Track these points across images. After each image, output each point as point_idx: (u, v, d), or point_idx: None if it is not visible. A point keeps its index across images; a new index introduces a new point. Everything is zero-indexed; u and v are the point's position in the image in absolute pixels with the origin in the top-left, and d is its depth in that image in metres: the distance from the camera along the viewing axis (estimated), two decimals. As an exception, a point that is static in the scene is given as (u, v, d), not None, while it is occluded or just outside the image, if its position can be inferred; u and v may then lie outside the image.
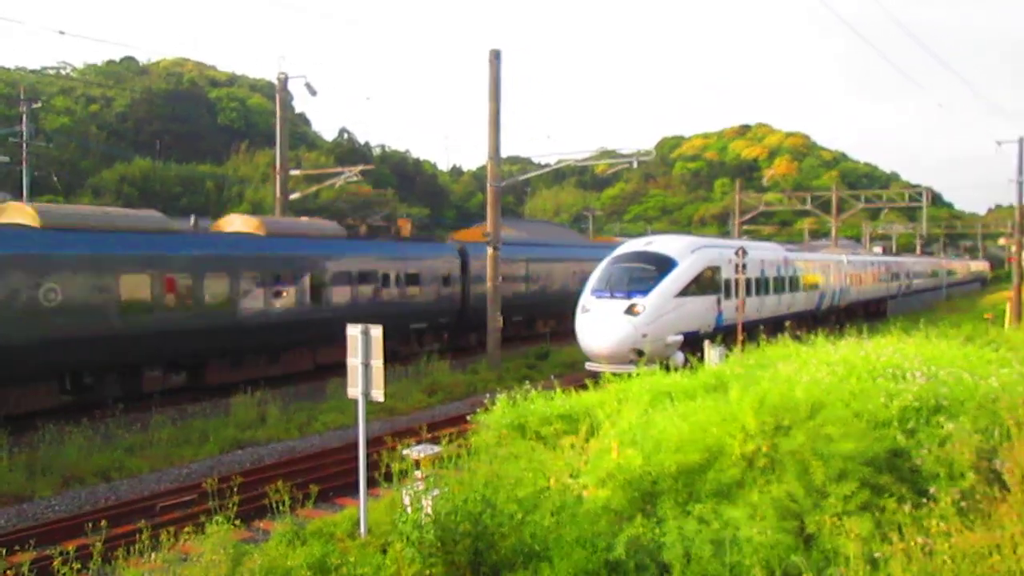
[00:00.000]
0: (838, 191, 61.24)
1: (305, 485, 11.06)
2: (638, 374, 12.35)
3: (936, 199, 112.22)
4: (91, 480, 13.67)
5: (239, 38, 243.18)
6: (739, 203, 57.78)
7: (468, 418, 12.65)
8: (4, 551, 9.20)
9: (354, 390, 9.39)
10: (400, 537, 7.51)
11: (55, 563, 7.36)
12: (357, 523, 9.28)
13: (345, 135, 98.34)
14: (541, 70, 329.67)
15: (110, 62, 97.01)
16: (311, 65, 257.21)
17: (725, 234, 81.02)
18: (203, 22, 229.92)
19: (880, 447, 7.93)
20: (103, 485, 13.46)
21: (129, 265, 18.32)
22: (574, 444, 9.99)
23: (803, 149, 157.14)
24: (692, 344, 20.96)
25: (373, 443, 12.40)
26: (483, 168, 31.94)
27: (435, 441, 11.43)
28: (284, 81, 28.62)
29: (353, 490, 11.99)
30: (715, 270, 23.37)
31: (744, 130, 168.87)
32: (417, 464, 9.46)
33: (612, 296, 20.97)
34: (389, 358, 9.82)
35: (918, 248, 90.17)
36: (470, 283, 29.07)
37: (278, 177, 28.79)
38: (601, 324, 20.37)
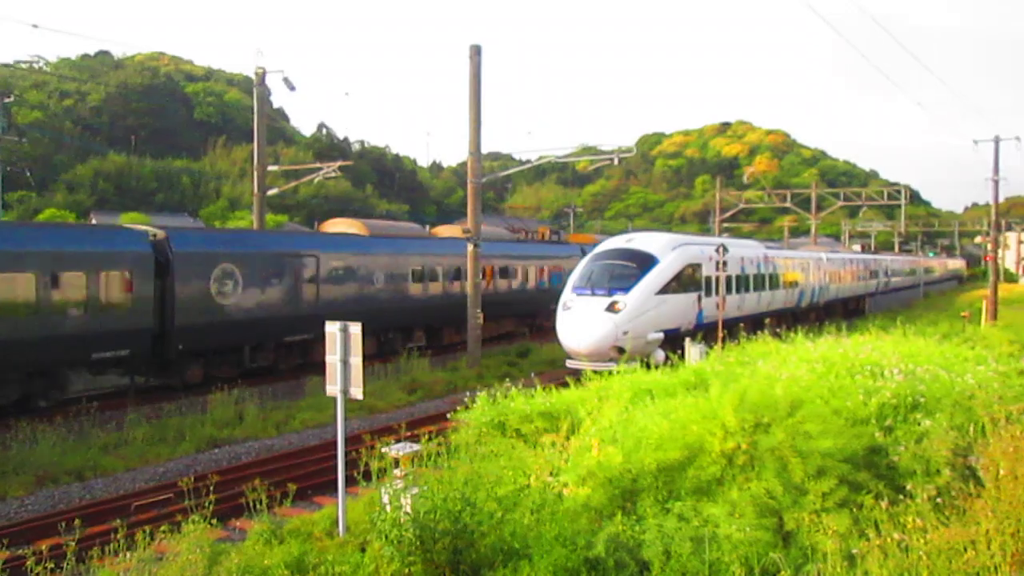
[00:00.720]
0: (817, 189, 61.68)
1: (283, 484, 11.03)
2: (619, 372, 12.38)
3: (914, 197, 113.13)
4: (65, 479, 13.54)
5: (216, 32, 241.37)
6: (719, 200, 58.08)
7: (448, 416, 12.65)
8: (-24, 552, 9.09)
9: (333, 388, 9.36)
10: (379, 536, 7.50)
11: (28, 563, 7.29)
12: (336, 522, 9.26)
13: (324, 130, 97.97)
14: (522, 66, 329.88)
15: (84, 56, 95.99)
16: (289, 60, 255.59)
17: (706, 231, 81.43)
18: (179, 16, 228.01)
19: (858, 444, 8.01)
20: (77, 484, 13.34)
21: (425, 259, 28.36)
22: (554, 442, 10.02)
23: (783, 147, 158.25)
24: (673, 342, 21.06)
25: (352, 441, 12.38)
26: (464, 164, 31.91)
27: (415, 439, 11.42)
28: (262, 76, 28.41)
29: (332, 489, 11.95)
30: (696, 268, 23.48)
31: (725, 127, 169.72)
32: (396, 462, 9.44)
33: (593, 293, 21.03)
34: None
35: (896, 246, 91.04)
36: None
37: (255, 173, 28.59)
38: (582, 321, 20.42)
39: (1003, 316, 38.32)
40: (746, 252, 28.27)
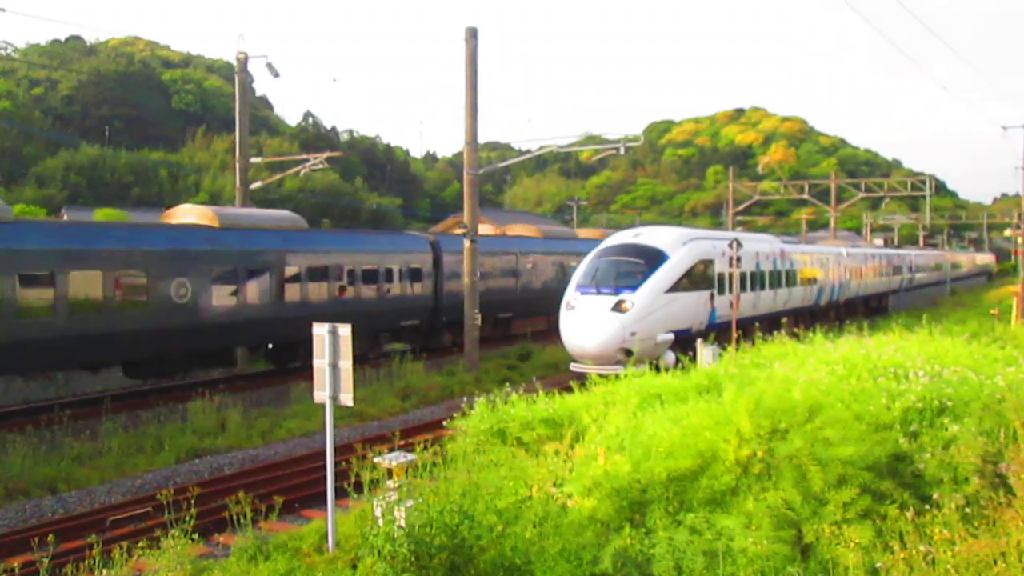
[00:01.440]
0: (837, 179, 61.71)
1: (269, 496, 11.06)
2: (626, 375, 12.38)
3: (940, 188, 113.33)
4: (36, 492, 13.55)
5: (195, 15, 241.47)
6: (732, 192, 58.09)
7: (444, 423, 12.64)
8: (-58, 570, 9.11)
9: (321, 394, 9.37)
10: (371, 551, 7.50)
11: (-2, 581, 7.30)
12: (325, 536, 9.27)
13: (310, 119, 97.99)
14: (521, 49, 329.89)
15: (55, 41, 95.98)
16: (273, 44, 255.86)
17: (718, 225, 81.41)
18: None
19: (881, 451, 8.01)
20: (49, 497, 13.35)
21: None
22: (558, 450, 10.01)
23: (800, 134, 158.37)
24: (683, 343, 21.06)
25: (342, 451, 12.40)
26: (459, 155, 31.93)
27: (409, 448, 11.42)
28: (244, 61, 28.41)
29: (320, 501, 11.95)
30: (708, 264, 23.48)
31: (738, 114, 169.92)
32: (389, 473, 9.45)
33: (598, 292, 21.01)
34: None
35: (921, 240, 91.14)
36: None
37: (238, 165, 28.59)
38: (587, 322, 20.41)
39: (1035, 314, 38.28)
40: (761, 247, 28.27)
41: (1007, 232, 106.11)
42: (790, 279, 30.15)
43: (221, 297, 21.78)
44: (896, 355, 11.87)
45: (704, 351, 17.75)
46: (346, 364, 9.22)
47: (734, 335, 21.82)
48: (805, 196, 60.40)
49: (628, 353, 19.54)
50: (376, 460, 9.68)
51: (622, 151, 28.87)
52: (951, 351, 12.89)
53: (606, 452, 8.70)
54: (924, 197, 62.56)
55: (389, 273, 27.32)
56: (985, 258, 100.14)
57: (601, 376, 12.88)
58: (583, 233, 47.66)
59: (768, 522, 7.25)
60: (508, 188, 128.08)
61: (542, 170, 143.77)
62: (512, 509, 8.12)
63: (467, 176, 25.30)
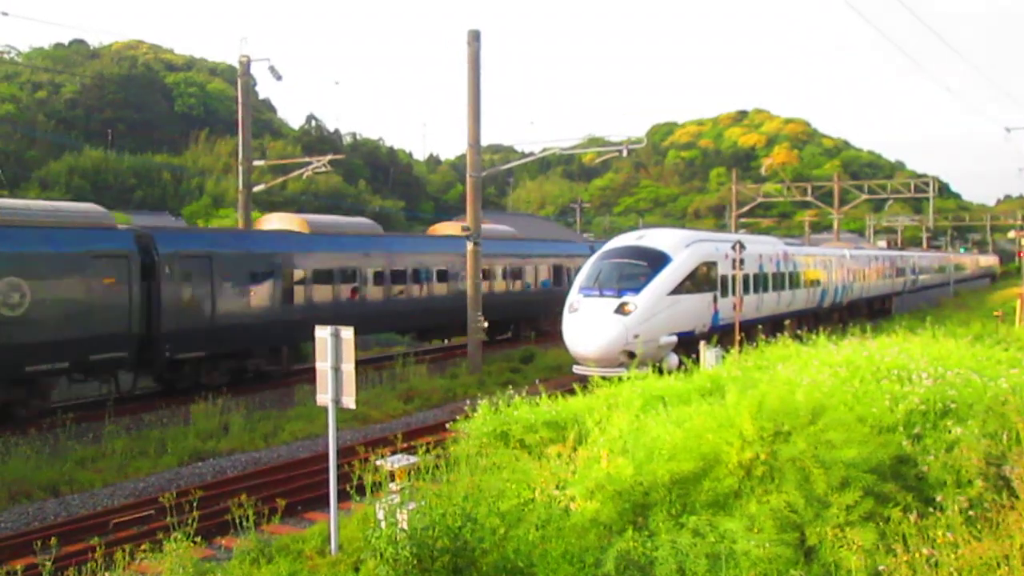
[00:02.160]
0: (840, 181, 61.68)
1: (271, 499, 11.04)
2: (629, 377, 12.38)
3: (943, 189, 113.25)
4: (39, 495, 13.56)
5: (198, 18, 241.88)
6: (736, 194, 58.08)
7: (447, 426, 12.66)
8: (-55, 573, 9.12)
9: (324, 397, 9.37)
10: (373, 554, 7.50)
11: (1, 584, 7.31)
12: (327, 539, 9.27)
13: (313, 122, 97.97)
14: (524, 51, 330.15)
15: (58, 45, 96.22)
16: (276, 47, 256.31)
17: (721, 227, 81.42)
18: (158, 1, 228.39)
19: (885, 453, 8.00)
20: (52, 500, 13.36)
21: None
22: (561, 453, 10.02)
23: (803, 136, 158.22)
24: (687, 345, 21.04)
25: (344, 453, 12.40)
26: (462, 157, 31.99)
27: (411, 451, 11.42)
28: (247, 64, 28.47)
29: (323, 504, 11.98)
30: (711, 266, 23.47)
31: (741, 116, 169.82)
32: (392, 476, 9.44)
33: (601, 294, 21.01)
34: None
35: (925, 242, 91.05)
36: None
37: (241, 168, 28.63)
38: (590, 324, 20.41)
39: (1039, 316, 38.21)
40: (764, 249, 28.26)
41: (1011, 234, 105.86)
42: (793, 281, 30.13)
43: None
44: (899, 357, 11.87)
45: (707, 353, 17.76)
46: (348, 367, 9.22)
47: (737, 337, 21.81)
48: (808, 198, 60.41)
49: (631, 355, 19.52)
50: (379, 463, 9.68)
51: (625, 153, 28.90)
52: (955, 353, 12.89)
53: (609, 455, 8.70)
54: (927, 199, 62.66)
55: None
56: (989, 260, 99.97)
57: (604, 378, 12.88)
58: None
59: (771, 525, 7.24)
60: (511, 190, 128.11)
61: (545, 172, 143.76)
62: (515, 512, 8.13)
63: (470, 179, 25.32)
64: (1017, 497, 7.11)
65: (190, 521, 8.93)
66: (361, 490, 9.67)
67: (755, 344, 16.32)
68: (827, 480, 7.48)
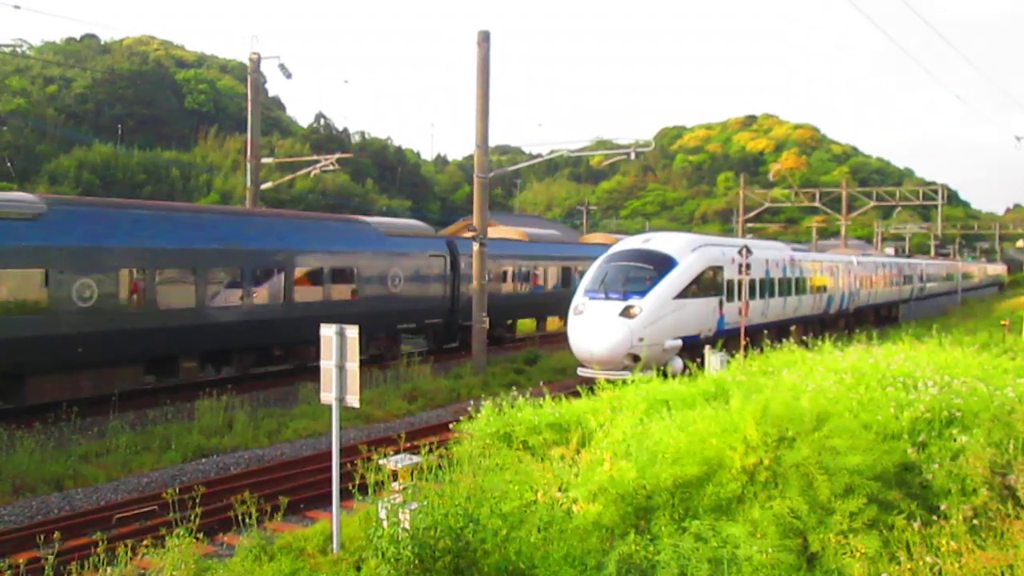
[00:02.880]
0: (848, 187, 61.54)
1: (274, 496, 11.04)
2: (634, 381, 12.37)
3: (952, 197, 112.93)
4: (43, 489, 13.58)
5: (209, 15, 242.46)
6: (743, 199, 57.99)
7: (451, 426, 12.65)
8: (-52, 565, 9.14)
9: (328, 395, 9.36)
10: (375, 553, 7.50)
11: (3, 577, 7.32)
12: (329, 538, 9.26)
13: (322, 120, 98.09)
14: (533, 53, 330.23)
15: (70, 40, 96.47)
16: (286, 45, 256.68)
17: (728, 232, 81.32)
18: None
19: (889, 461, 7.98)
20: (56, 495, 13.38)
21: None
22: (564, 455, 10.00)
23: (812, 142, 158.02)
24: (692, 349, 20.99)
25: (348, 452, 12.37)
26: (470, 158, 32.01)
27: (414, 451, 11.43)
28: (256, 62, 28.51)
29: (326, 502, 11.97)
30: (717, 270, 23.43)
31: (750, 121, 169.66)
32: (395, 475, 9.44)
33: (607, 297, 20.98)
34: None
35: (932, 249, 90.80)
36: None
37: (249, 165, 28.67)
38: (595, 327, 20.38)
39: (1046, 325, 38.06)
40: (771, 254, 28.20)
41: (1019, 243, 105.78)
42: (800, 287, 30.06)
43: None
44: (905, 365, 11.83)
45: (712, 358, 17.72)
46: (353, 366, 9.21)
47: (742, 342, 21.76)
48: (816, 204, 60.25)
49: (636, 359, 19.52)
50: (381, 462, 9.68)
51: (633, 156, 28.78)
52: (961, 362, 12.84)
53: (612, 458, 8.69)
54: (936, 206, 62.41)
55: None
56: (997, 268, 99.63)
57: (608, 381, 12.87)
58: (593, 238, 46.40)
59: (774, 530, 7.22)
60: (518, 192, 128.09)
61: (552, 174, 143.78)
62: (517, 513, 8.12)
63: (477, 179, 25.30)
64: (1022, 507, 7.08)
65: (193, 517, 8.94)
66: (363, 489, 9.66)
67: (760, 349, 16.29)
68: (831, 486, 7.46)
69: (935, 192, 59.14)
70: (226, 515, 10.91)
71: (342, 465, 9.55)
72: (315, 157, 36.99)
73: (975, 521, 7.17)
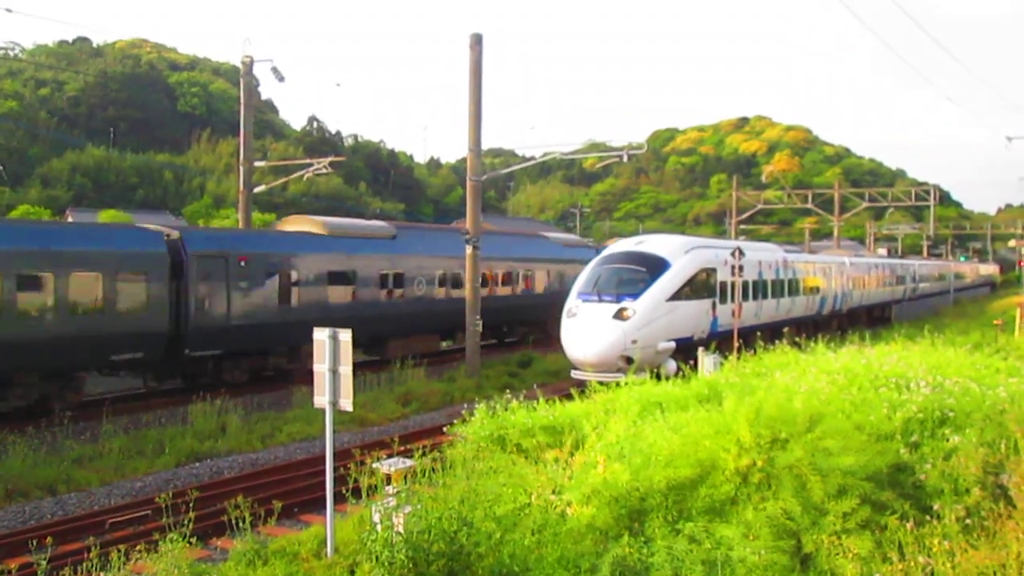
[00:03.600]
0: (841, 189, 61.71)
1: (268, 500, 11.03)
2: (627, 383, 12.37)
3: (944, 198, 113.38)
4: (36, 494, 13.54)
5: (202, 18, 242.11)
6: (736, 201, 58.09)
7: (444, 430, 12.65)
8: (-60, 571, 9.10)
9: (321, 399, 9.35)
10: (369, 557, 7.49)
11: (-5, 583, 7.29)
12: (323, 541, 9.24)
13: (314, 124, 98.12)
14: (526, 55, 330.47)
15: (62, 43, 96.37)
16: (279, 48, 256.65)
17: (721, 234, 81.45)
18: (163, 0, 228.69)
19: (882, 461, 7.99)
20: (49, 499, 13.35)
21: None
22: (557, 458, 10.00)
23: (804, 144, 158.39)
24: (685, 351, 21.03)
25: (341, 456, 12.39)
26: (463, 161, 31.95)
27: (408, 454, 11.42)
28: (249, 65, 28.48)
29: (319, 506, 11.92)
30: (710, 272, 23.46)
31: (742, 123, 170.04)
32: (388, 479, 9.43)
33: (600, 299, 20.99)
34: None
35: (925, 250, 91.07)
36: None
37: (242, 168, 28.65)
38: (588, 329, 20.38)
39: (1038, 325, 38.17)
40: (764, 256, 28.24)
41: (1011, 243, 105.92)
42: (792, 288, 30.11)
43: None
44: (898, 365, 11.86)
45: (705, 360, 17.73)
46: (346, 369, 9.20)
47: (736, 344, 21.79)
48: (809, 205, 60.43)
49: (629, 361, 19.52)
50: (375, 466, 9.67)
51: (626, 158, 28.83)
52: (953, 362, 12.88)
53: (606, 460, 8.69)
54: (928, 207, 62.60)
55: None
56: (989, 268, 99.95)
57: (602, 384, 12.87)
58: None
59: (767, 532, 7.23)
60: (511, 194, 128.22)
61: (545, 177, 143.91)
62: (511, 516, 8.11)
63: (470, 182, 25.31)
64: (1014, 506, 7.10)
65: (186, 522, 8.91)
66: (357, 493, 9.65)
67: (753, 351, 16.31)
68: (824, 488, 7.47)
69: (927, 193, 59.34)
70: (220, 519, 10.87)
71: (336, 469, 9.54)
72: (308, 160, 36.95)
73: (968, 521, 7.18)
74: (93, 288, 18.79)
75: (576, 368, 20.65)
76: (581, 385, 16.80)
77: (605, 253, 23.61)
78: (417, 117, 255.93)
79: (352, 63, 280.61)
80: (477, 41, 24.40)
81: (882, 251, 75.99)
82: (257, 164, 31.50)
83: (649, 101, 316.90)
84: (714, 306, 23.49)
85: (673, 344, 21.28)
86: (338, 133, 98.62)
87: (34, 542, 9.83)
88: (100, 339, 18.73)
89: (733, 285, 23.94)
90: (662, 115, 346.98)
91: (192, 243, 21.04)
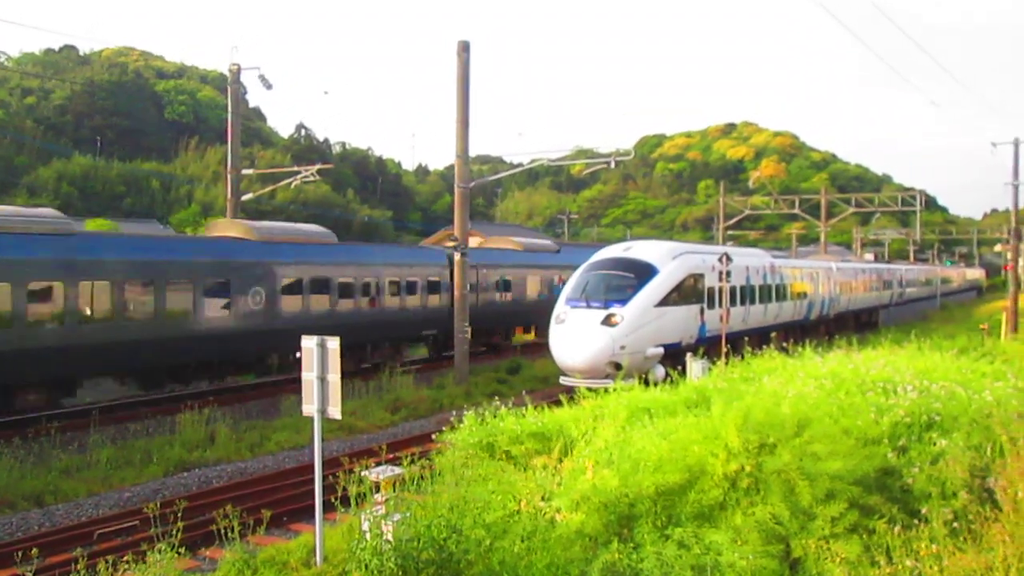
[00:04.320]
0: (827, 194, 61.96)
1: (257, 509, 10.99)
2: (615, 389, 12.38)
3: (930, 203, 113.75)
4: (23, 505, 13.44)
5: (189, 25, 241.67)
6: (723, 206, 58.25)
7: (433, 437, 12.62)
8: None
9: (309, 407, 9.33)
10: (358, 565, 7.47)
11: (-19, 596, 7.24)
12: (313, 550, 9.22)
13: (302, 131, 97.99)
14: (513, 63, 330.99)
15: (48, 51, 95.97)
16: (267, 56, 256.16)
17: (709, 239, 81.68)
18: (150, 7, 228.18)
19: (870, 465, 8.02)
20: (36, 510, 13.25)
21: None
22: (546, 464, 10.00)
23: (791, 149, 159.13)
24: (673, 357, 21.06)
25: (330, 464, 12.33)
26: (451, 168, 31.99)
27: (397, 462, 11.39)
28: (237, 73, 28.44)
29: (308, 515, 11.90)
30: (698, 278, 23.51)
31: (729, 129, 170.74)
32: (377, 487, 9.41)
33: (588, 306, 21.00)
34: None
35: (911, 255, 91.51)
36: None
37: (229, 176, 28.58)
38: (576, 336, 20.40)
39: (1024, 329, 38.46)
40: (751, 261, 28.33)
41: (997, 247, 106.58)
42: (780, 294, 30.21)
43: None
44: (885, 370, 11.91)
45: (693, 365, 17.78)
46: (334, 377, 9.18)
47: (724, 349, 21.84)
48: (796, 211, 60.65)
49: (617, 367, 19.51)
50: (364, 474, 9.64)
51: (613, 165, 28.95)
52: (940, 366, 12.94)
53: (594, 466, 8.69)
54: (914, 212, 62.97)
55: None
56: (975, 273, 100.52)
57: (590, 390, 12.87)
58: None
59: (756, 537, 7.24)
60: (499, 201, 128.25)
61: (533, 183, 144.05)
62: (500, 523, 8.10)
63: (458, 189, 25.31)
64: (1001, 509, 7.13)
65: (175, 532, 8.87)
66: (346, 501, 9.62)
67: (741, 356, 16.35)
68: (812, 492, 7.49)
69: (913, 198, 59.61)
70: (208, 529, 10.81)
71: (325, 477, 9.51)
72: (296, 168, 36.89)
73: (955, 524, 7.21)
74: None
75: (565, 374, 20.65)
76: (570, 391, 16.81)
77: (593, 259, 23.64)
78: (405, 124, 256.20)
79: (340, 71, 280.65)
80: (464, 48, 24.44)
81: (869, 256, 76.32)
82: (245, 172, 31.43)
83: (636, 108, 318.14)
84: (702, 312, 23.54)
85: (661, 350, 21.31)
86: (326, 140, 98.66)
87: (20, 554, 9.78)
88: None
89: (721, 291, 24.00)
90: (650, 122, 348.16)
91: None
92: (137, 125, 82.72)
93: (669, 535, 7.48)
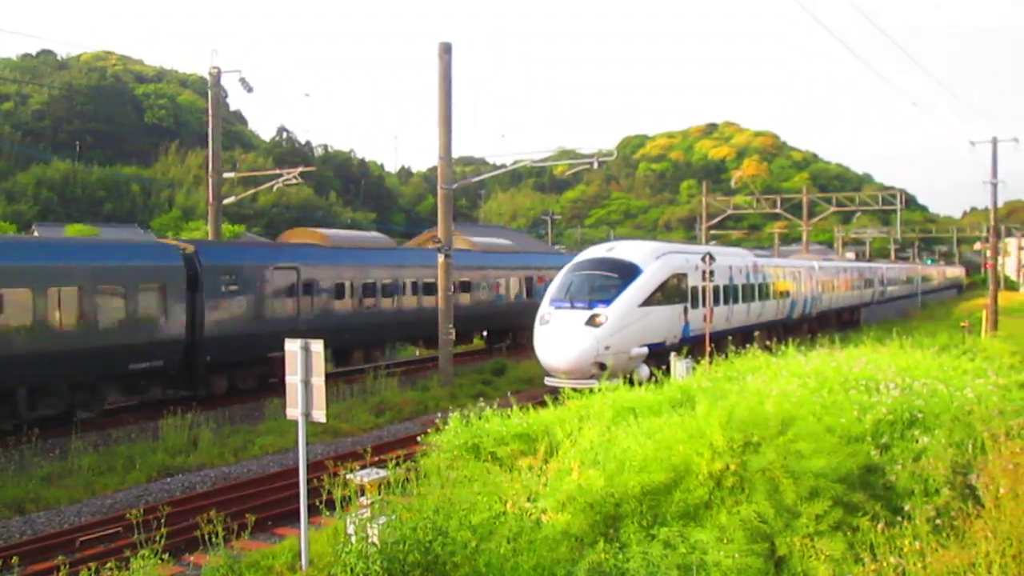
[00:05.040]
0: (809, 194, 62.27)
1: (241, 514, 10.92)
2: (600, 389, 12.40)
3: (910, 202, 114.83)
4: (3, 513, 13.32)
5: (168, 29, 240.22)
6: (706, 206, 58.44)
7: (418, 439, 12.60)
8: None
9: (293, 410, 9.30)
10: (344, 569, 7.45)
11: (-38, 605, 7.17)
12: (298, 554, 9.18)
13: (284, 134, 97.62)
14: (495, 64, 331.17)
15: (26, 56, 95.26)
16: (247, 59, 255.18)
17: (691, 239, 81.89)
18: (129, 11, 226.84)
19: (853, 463, 8.07)
20: (17, 518, 13.12)
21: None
22: (532, 465, 10.00)
23: (772, 149, 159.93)
24: (658, 357, 21.11)
25: (315, 468, 12.30)
26: (434, 169, 31.88)
27: (382, 464, 11.37)
28: (217, 76, 28.29)
29: (293, 519, 11.84)
30: (681, 278, 23.58)
31: (711, 129, 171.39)
32: (362, 490, 9.38)
33: (572, 306, 21.02)
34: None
35: (892, 253, 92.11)
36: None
37: (210, 180, 28.42)
38: (561, 336, 20.41)
39: (1004, 326, 38.88)
40: (734, 261, 28.44)
41: (977, 246, 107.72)
42: (763, 293, 30.34)
43: None
44: (867, 368, 11.99)
45: (678, 365, 17.82)
46: (318, 380, 9.15)
47: (707, 349, 21.91)
48: (777, 210, 60.91)
49: (602, 367, 19.54)
50: (349, 477, 9.62)
51: (596, 166, 28.97)
52: (921, 364, 13.04)
53: (580, 467, 8.70)
54: (895, 211, 63.26)
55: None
56: (955, 271, 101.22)
57: (575, 390, 12.88)
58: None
59: (741, 535, 7.27)
60: (483, 203, 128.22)
61: (517, 185, 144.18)
62: (486, 525, 8.09)
63: (441, 191, 25.29)
64: (983, 506, 7.19)
65: (158, 538, 8.81)
66: (332, 504, 9.59)
67: (725, 355, 16.41)
68: (796, 490, 7.53)
69: (893, 197, 59.96)
70: (192, 535, 10.75)
71: (310, 481, 9.48)
72: (278, 171, 36.76)
73: (938, 521, 7.26)
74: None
75: (550, 375, 20.65)
76: (555, 392, 16.81)
77: (577, 260, 23.66)
78: (387, 126, 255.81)
79: (321, 73, 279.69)
80: (446, 50, 24.43)
81: (850, 255, 76.85)
82: (226, 176, 31.29)
83: (619, 109, 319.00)
84: (686, 311, 23.61)
85: (646, 350, 21.35)
86: (308, 143, 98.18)
87: (1, 563, 9.70)
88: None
89: (704, 290, 24.08)
90: (632, 122, 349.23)
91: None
92: (117, 129, 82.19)
93: (655, 535, 7.50)
